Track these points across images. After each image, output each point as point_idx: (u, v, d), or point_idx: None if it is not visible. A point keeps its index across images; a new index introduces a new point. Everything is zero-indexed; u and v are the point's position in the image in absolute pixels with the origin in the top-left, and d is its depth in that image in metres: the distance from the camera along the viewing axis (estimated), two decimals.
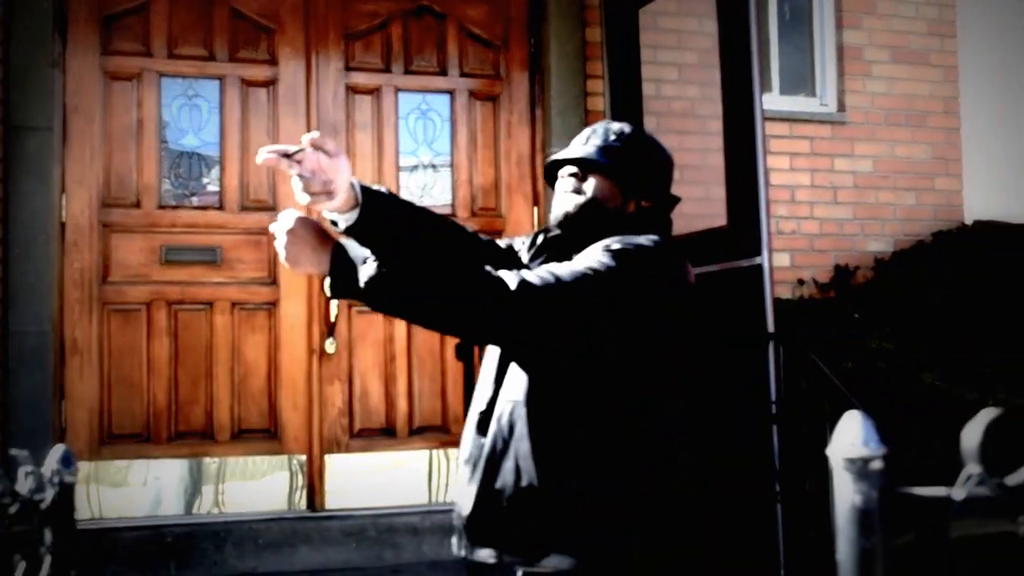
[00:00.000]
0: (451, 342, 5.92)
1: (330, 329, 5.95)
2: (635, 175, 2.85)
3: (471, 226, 3.01)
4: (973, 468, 1.11)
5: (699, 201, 6.07)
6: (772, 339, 5.08)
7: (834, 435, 1.18)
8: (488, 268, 2.44)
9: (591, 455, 2.51)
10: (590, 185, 2.81)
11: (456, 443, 5.92)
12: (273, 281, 5.93)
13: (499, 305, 2.39)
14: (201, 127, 5.95)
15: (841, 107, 7.01)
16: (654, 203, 2.90)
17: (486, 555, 2.58)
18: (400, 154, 6.22)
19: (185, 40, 5.94)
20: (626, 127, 2.90)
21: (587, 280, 2.47)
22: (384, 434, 6.08)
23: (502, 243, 3.01)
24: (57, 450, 1.81)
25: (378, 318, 6.04)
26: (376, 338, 6.08)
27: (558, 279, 2.43)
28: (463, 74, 6.38)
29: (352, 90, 6.17)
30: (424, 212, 2.84)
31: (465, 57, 6.39)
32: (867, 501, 1.05)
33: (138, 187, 5.81)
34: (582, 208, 2.80)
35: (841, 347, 5.69)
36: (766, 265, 5.10)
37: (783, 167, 6.76)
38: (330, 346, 5.94)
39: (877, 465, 1.09)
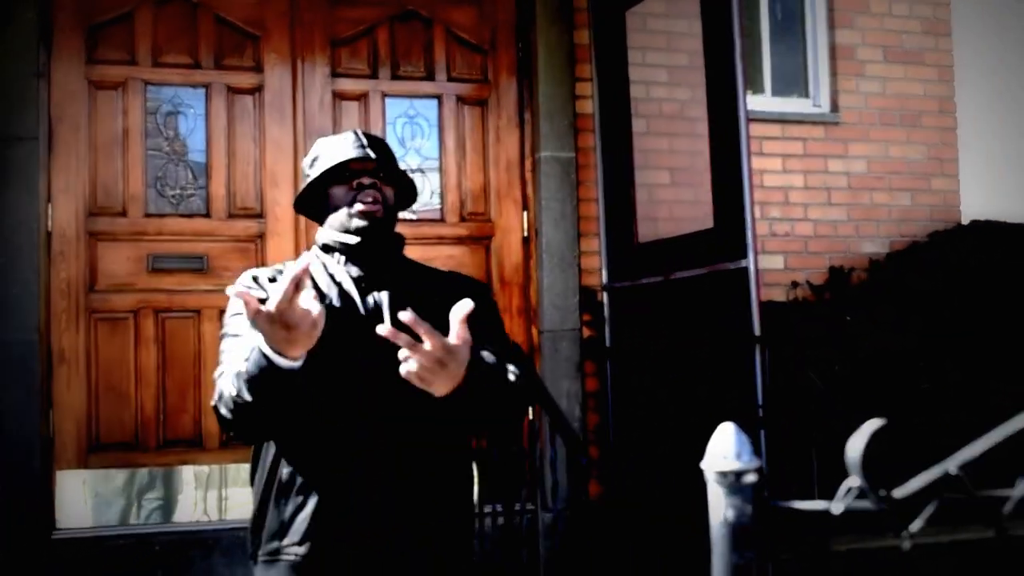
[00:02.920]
0: None
1: None
2: (404, 178, 2.87)
3: None
4: (854, 481, 1.08)
5: (690, 203, 6.05)
6: (758, 342, 5.04)
7: (707, 448, 1.15)
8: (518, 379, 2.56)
9: None
10: (386, 195, 2.78)
11: None
12: None
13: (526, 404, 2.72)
14: (187, 135, 5.94)
15: (834, 108, 6.96)
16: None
17: None
18: None
19: (170, 48, 5.93)
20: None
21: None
22: None
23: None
24: None
25: None
26: None
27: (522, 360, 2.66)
28: (451, 79, 6.35)
29: (339, 96, 6.15)
30: None
31: (453, 62, 6.36)
32: (740, 515, 1.02)
33: (124, 196, 5.80)
34: (387, 220, 2.79)
35: (831, 350, 5.65)
36: (751, 268, 5.06)
37: (776, 169, 6.73)
38: None
39: (750, 479, 1.06)
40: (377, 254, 2.73)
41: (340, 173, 2.73)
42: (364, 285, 2.68)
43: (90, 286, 5.70)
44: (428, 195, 6.29)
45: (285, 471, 2.56)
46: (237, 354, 2.46)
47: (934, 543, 1.10)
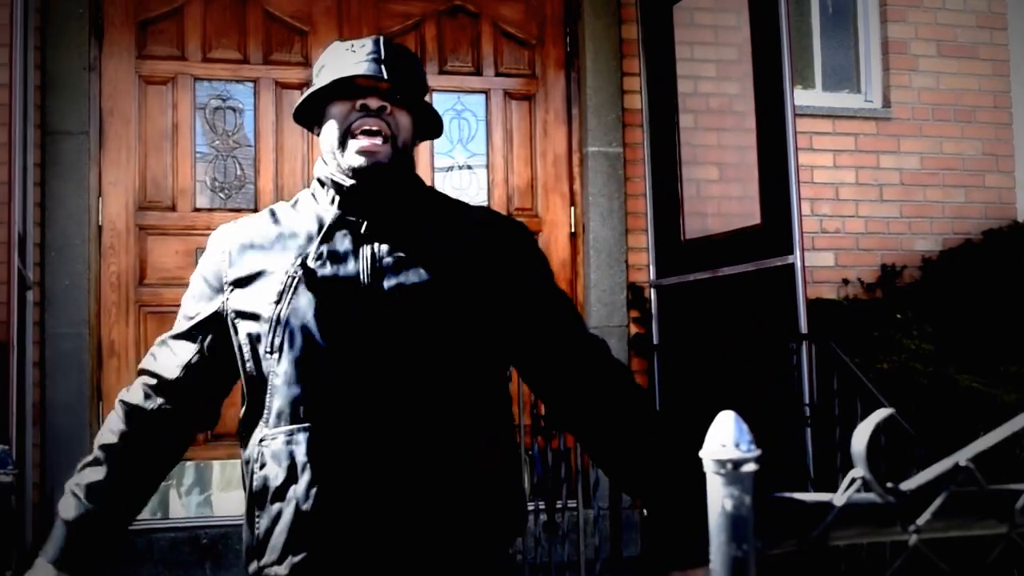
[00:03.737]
0: None
1: None
2: (424, 104, 2.32)
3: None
4: (857, 472, 1.06)
5: (738, 199, 6.00)
6: (805, 340, 5.00)
7: (706, 437, 1.13)
8: None
9: None
10: (400, 125, 2.24)
11: None
12: None
13: None
14: (236, 130, 5.98)
15: (886, 103, 6.87)
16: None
17: None
18: (435, 155, 6.20)
19: (219, 43, 5.97)
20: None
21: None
22: None
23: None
24: None
25: None
26: None
27: None
28: (498, 73, 6.34)
29: None
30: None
31: (500, 56, 6.35)
32: (738, 506, 1.00)
33: (174, 190, 5.85)
34: (394, 159, 2.23)
35: (880, 348, 5.58)
36: (798, 264, 5.03)
37: (827, 164, 6.65)
38: None
39: (749, 468, 1.04)
40: (379, 197, 2.23)
41: (345, 87, 2.21)
42: (361, 233, 2.18)
43: (140, 279, 5.76)
44: (475, 190, 6.28)
45: (258, 475, 2.13)
46: (157, 352, 2.35)
47: (942, 538, 1.08)
